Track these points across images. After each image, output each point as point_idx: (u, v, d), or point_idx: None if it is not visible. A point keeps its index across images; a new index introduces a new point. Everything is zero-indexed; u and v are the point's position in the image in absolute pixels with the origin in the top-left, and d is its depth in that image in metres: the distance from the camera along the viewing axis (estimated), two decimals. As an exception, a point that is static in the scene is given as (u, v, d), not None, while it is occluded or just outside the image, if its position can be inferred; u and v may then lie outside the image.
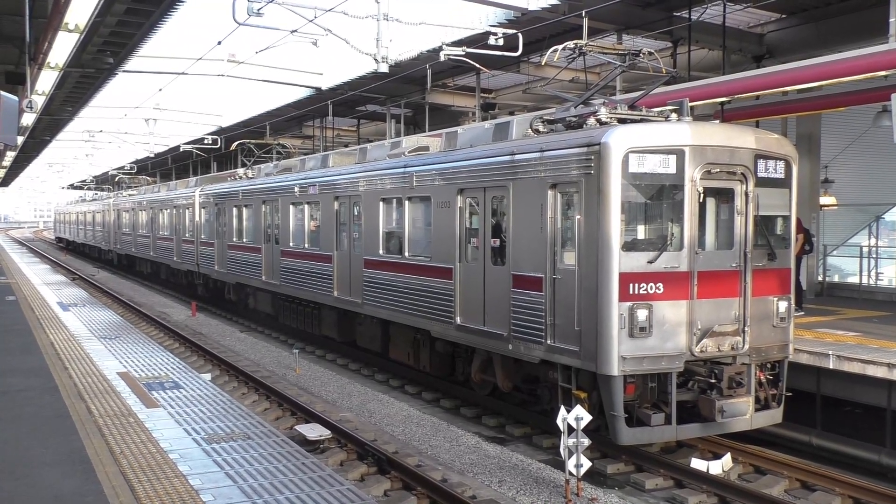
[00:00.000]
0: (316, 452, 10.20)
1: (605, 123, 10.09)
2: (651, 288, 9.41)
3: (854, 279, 20.73)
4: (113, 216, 43.19)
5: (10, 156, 44.24)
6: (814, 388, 11.22)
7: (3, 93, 10.46)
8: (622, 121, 10.21)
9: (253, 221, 21.90)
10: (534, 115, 11.87)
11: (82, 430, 8.50)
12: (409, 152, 14.71)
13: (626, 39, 17.13)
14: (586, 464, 8.76)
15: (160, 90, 27.03)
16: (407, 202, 13.94)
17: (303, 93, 25.76)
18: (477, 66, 17.32)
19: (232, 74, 22.59)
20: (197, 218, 26.99)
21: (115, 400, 10.01)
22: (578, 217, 9.78)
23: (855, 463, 10.57)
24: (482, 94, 23.21)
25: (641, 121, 10.27)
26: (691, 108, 11.05)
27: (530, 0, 15.40)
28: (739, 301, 9.96)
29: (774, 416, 10.35)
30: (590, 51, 11.12)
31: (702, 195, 9.64)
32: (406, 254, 14.00)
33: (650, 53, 11.07)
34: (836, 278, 21.95)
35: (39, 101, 20.31)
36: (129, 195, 41.96)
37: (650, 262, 9.44)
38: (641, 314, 9.32)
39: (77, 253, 59.89)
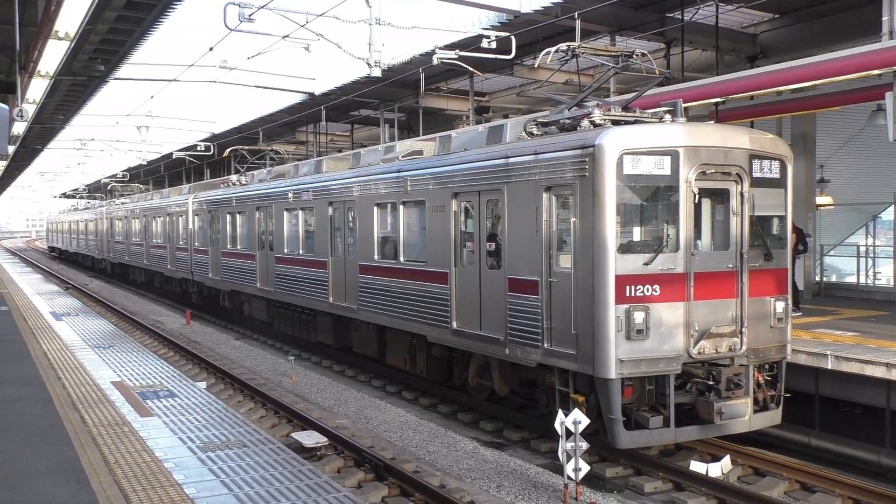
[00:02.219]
0: (312, 460, 10.19)
1: (599, 125, 10.12)
2: (647, 290, 9.43)
3: (851, 279, 20.79)
4: (106, 225, 43.14)
5: (1, 165, 44.17)
6: (812, 389, 11.24)
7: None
8: (616, 122, 10.24)
9: (247, 228, 21.88)
10: (528, 118, 11.89)
11: (76, 440, 8.48)
12: (402, 157, 14.72)
13: (619, 41, 17.18)
14: (585, 468, 8.76)
15: (152, 97, 27.09)
16: (401, 207, 13.95)
17: (295, 98, 25.75)
18: (470, 69, 17.35)
19: (224, 81, 22.58)
20: (190, 225, 26.96)
21: (109, 409, 9.98)
22: (574, 219, 9.79)
23: (854, 464, 10.58)
24: (476, 98, 23.23)
25: (635, 122, 10.30)
26: (685, 109, 11.08)
27: (523, 2, 15.43)
28: (736, 302, 9.98)
29: (773, 417, 10.37)
30: (583, 53, 11.16)
31: (697, 196, 9.66)
32: (401, 259, 14.00)
33: (643, 55, 11.11)
34: (833, 278, 22.03)
35: (30, 109, 20.26)
36: (122, 203, 41.90)
37: (646, 263, 9.45)
38: (638, 316, 9.32)
39: (70, 262, 59.76)
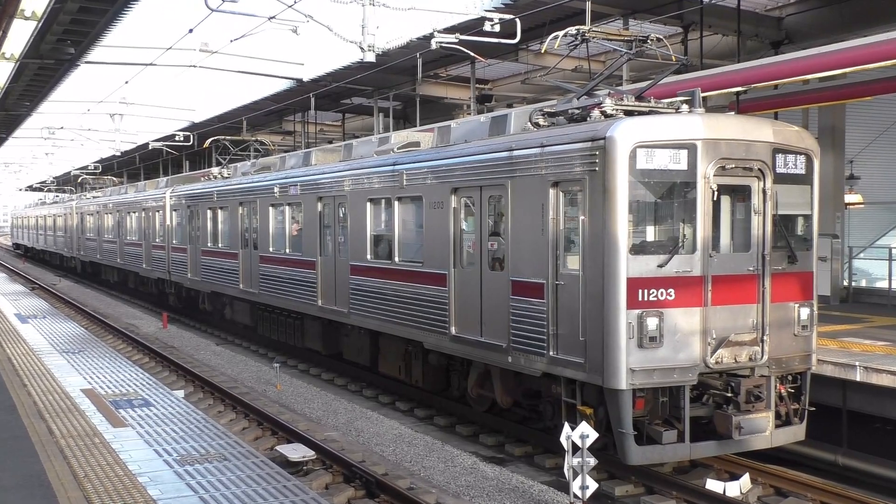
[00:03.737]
0: (299, 475, 10.21)
1: (611, 116, 10.15)
2: (661, 294, 9.45)
3: (883, 284, 20.81)
4: (76, 220, 43.16)
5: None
6: (839, 403, 11.26)
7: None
8: (629, 113, 10.27)
9: (229, 225, 21.91)
10: (533, 108, 11.92)
11: (42, 452, 8.49)
12: (398, 149, 14.75)
13: (633, 24, 17.21)
14: (592, 485, 8.77)
15: (126, 83, 27.08)
16: (396, 203, 13.98)
17: (282, 85, 25.80)
18: (471, 54, 17.38)
19: (205, 65, 22.58)
20: (168, 221, 26.99)
21: (78, 419, 10.00)
22: (582, 218, 9.82)
23: (885, 484, 10.60)
24: (477, 86, 23.27)
25: (650, 113, 10.33)
26: (704, 98, 11.12)
27: (529, -18, 15.49)
28: (757, 308, 10.00)
29: (796, 432, 10.38)
30: (593, 37, 11.18)
31: (716, 193, 9.68)
32: (396, 259, 14.02)
33: (659, 40, 11.13)
34: (862, 283, 22.04)
35: (-6, 95, 20.31)
36: (94, 197, 41.93)
37: (660, 265, 9.47)
38: (651, 322, 9.35)
39: (37, 260, 59.77)
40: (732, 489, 10.21)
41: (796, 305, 10.33)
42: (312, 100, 25.76)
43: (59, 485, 7.50)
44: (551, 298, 10.29)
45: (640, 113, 10.28)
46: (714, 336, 9.65)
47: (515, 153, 11.00)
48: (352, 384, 16.90)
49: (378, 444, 12.14)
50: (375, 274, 14.60)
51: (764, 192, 10.05)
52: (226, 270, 21.83)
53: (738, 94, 14.59)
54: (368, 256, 14.89)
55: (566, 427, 8.90)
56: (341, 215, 15.97)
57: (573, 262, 10.09)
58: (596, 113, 10.33)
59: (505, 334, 11.13)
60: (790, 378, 10.43)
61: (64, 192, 59.33)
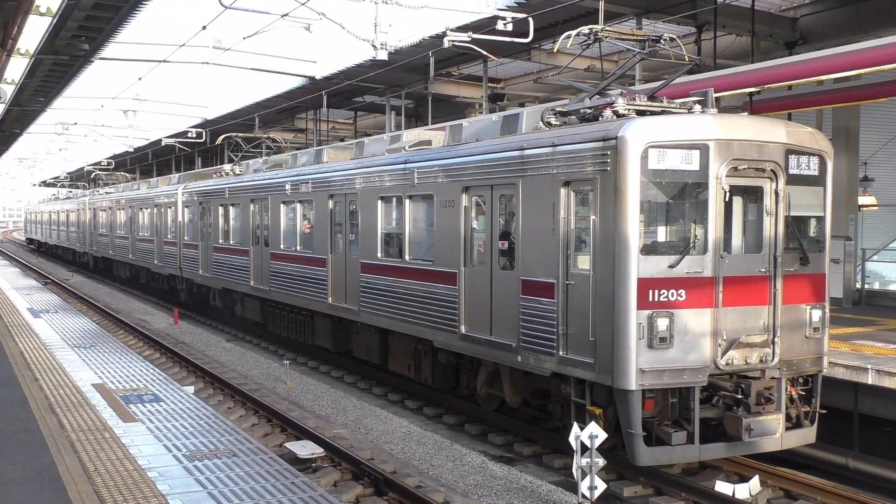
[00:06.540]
0: (307, 471, 10.23)
1: (623, 116, 10.14)
2: (672, 295, 9.43)
3: (896, 286, 20.71)
4: (88, 216, 43.37)
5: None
6: (851, 406, 11.22)
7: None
8: (641, 113, 10.25)
9: (240, 222, 21.97)
10: (545, 107, 11.91)
11: (53, 446, 8.55)
12: (409, 147, 14.77)
13: (646, 24, 17.18)
14: (601, 486, 8.76)
15: (140, 79, 27.19)
16: (407, 201, 13.99)
17: (295, 82, 25.84)
18: (484, 53, 17.37)
19: (218, 62, 22.69)
20: (179, 218, 27.09)
21: (89, 413, 10.06)
22: (593, 217, 9.81)
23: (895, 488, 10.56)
24: (489, 84, 23.26)
25: (662, 113, 10.31)
26: (717, 99, 11.09)
27: (542, -18, 15.46)
28: (769, 309, 9.97)
29: (807, 435, 10.35)
30: (606, 37, 11.17)
31: (728, 194, 9.66)
32: (406, 257, 14.04)
33: (672, 39, 11.10)
34: (876, 285, 21.92)
35: (8, 90, 20.41)
36: (107, 193, 42.11)
37: (671, 266, 9.46)
38: (662, 323, 9.33)
39: (50, 255, 60.10)
40: (742, 491, 10.17)
41: (808, 307, 10.30)
42: (325, 97, 25.80)
43: (70, 478, 7.55)
44: (561, 298, 10.28)
45: (653, 113, 10.27)
46: (725, 337, 9.63)
47: (527, 152, 10.99)
48: (361, 382, 16.93)
49: (387, 442, 12.16)
50: (386, 272, 14.62)
51: (776, 193, 10.02)
52: (237, 267, 21.90)
53: (751, 94, 14.54)
54: (379, 254, 14.91)
55: (575, 427, 8.89)
56: (352, 213, 16.00)
57: (584, 262, 10.08)
58: (608, 112, 10.32)
59: (515, 333, 11.13)
60: (801, 380, 10.40)
61: (77, 187, 59.65)
